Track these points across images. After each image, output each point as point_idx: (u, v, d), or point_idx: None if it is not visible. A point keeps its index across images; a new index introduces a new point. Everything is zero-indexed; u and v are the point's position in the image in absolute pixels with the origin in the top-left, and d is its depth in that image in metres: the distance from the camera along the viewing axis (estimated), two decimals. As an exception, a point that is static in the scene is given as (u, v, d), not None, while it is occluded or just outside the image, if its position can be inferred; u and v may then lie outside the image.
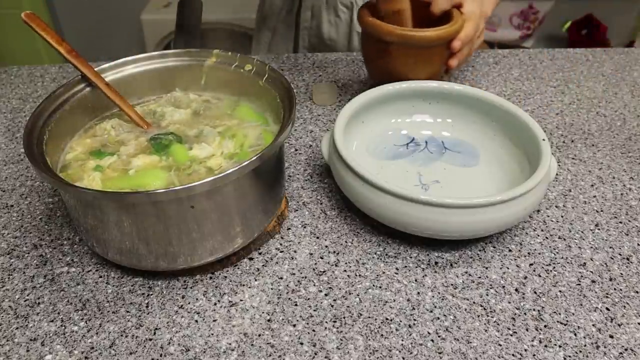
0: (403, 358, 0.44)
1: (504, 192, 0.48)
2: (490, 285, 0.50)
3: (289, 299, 0.49)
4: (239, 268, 0.52)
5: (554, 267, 0.52)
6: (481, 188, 0.58)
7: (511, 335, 0.46)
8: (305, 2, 0.97)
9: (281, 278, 0.51)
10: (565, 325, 0.47)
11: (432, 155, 0.63)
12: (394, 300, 0.49)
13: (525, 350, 0.45)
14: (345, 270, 0.52)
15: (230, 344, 0.45)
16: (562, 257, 0.54)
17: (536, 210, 0.59)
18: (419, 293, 0.50)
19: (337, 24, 0.96)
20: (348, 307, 0.48)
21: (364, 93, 0.62)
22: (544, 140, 0.54)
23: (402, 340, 0.45)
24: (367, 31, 0.67)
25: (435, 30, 0.64)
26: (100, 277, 0.51)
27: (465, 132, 0.65)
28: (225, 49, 0.60)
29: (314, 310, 0.48)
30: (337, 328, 0.46)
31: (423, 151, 0.64)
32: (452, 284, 0.50)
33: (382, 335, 0.46)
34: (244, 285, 0.50)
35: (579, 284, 0.51)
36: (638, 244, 0.55)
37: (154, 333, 0.46)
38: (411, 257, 0.53)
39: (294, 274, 0.51)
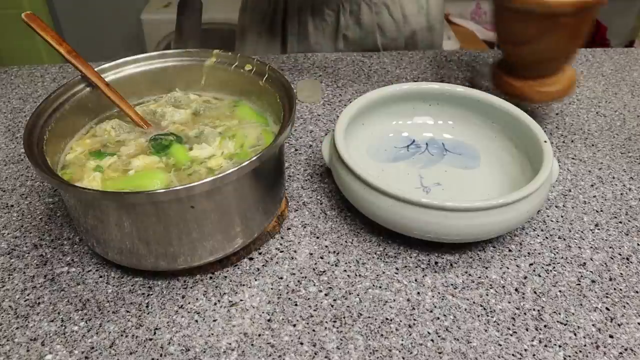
0: (403, 358, 0.44)
1: (506, 194, 0.48)
2: (490, 285, 0.50)
3: (289, 299, 0.49)
4: (239, 268, 0.52)
5: (554, 267, 0.52)
6: (483, 190, 0.58)
7: (511, 335, 0.46)
8: (291, 8, 0.95)
9: (281, 278, 0.51)
10: (565, 325, 0.47)
11: (433, 157, 0.63)
12: (394, 300, 0.49)
13: (525, 350, 0.45)
14: (345, 270, 0.52)
15: (230, 343, 0.45)
16: (562, 257, 0.54)
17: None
18: (419, 293, 0.50)
19: (324, 28, 0.95)
20: (348, 307, 0.48)
21: (364, 95, 0.61)
22: (545, 142, 0.54)
23: (402, 340, 0.45)
24: (529, 8, 0.59)
25: None
26: (101, 277, 0.51)
27: (466, 133, 0.64)
28: (225, 49, 0.60)
29: (314, 310, 0.48)
30: (337, 328, 0.46)
31: (424, 153, 0.64)
32: (452, 284, 0.50)
33: (382, 335, 0.46)
34: (244, 285, 0.50)
35: (579, 284, 0.51)
36: (638, 244, 0.55)
37: (154, 333, 0.46)
38: (411, 257, 0.53)
39: (294, 274, 0.51)
